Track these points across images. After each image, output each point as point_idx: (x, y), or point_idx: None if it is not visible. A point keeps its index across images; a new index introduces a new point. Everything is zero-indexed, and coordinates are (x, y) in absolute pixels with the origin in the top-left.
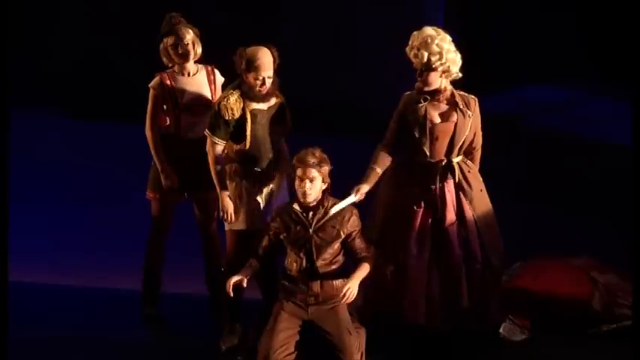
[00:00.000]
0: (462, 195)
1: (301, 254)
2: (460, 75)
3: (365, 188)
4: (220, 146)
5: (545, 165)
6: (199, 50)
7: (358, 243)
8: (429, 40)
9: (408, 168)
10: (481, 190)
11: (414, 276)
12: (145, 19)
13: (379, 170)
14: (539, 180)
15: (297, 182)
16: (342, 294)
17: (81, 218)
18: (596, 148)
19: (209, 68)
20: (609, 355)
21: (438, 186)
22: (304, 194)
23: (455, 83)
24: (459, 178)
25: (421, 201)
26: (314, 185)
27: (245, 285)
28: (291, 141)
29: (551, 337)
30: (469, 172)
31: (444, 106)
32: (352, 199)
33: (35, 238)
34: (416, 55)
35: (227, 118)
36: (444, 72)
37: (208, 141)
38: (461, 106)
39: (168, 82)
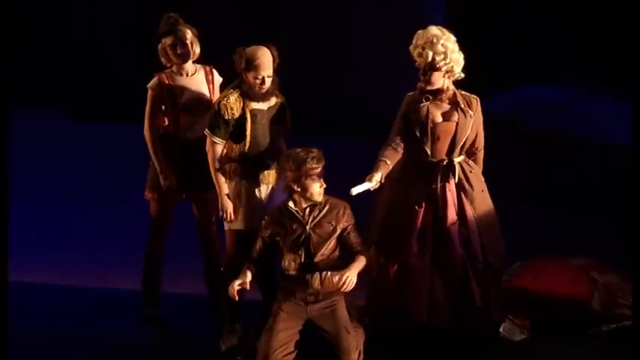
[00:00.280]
0: (463, 195)
1: (299, 252)
2: (463, 75)
3: (378, 176)
4: (220, 146)
5: (545, 165)
6: (198, 50)
7: (353, 237)
8: (435, 40)
9: (409, 167)
10: (482, 191)
11: (415, 275)
12: (144, 19)
13: (389, 162)
14: (539, 180)
15: (309, 181)
16: (341, 283)
17: (81, 218)
18: (596, 148)
19: (207, 68)
20: (609, 355)
21: (439, 185)
22: (320, 192)
23: (456, 83)
24: (460, 178)
25: (422, 200)
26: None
27: (248, 287)
28: (291, 141)
29: (551, 337)
30: (470, 172)
31: (446, 106)
32: (368, 185)
33: (35, 238)
34: (420, 55)
35: (227, 117)
36: (447, 72)
37: (208, 140)
38: (462, 106)
39: (166, 82)
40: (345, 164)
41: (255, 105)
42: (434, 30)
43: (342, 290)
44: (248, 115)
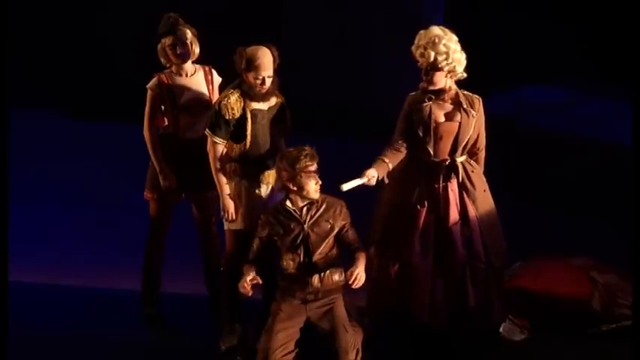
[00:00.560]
0: (465, 195)
1: (298, 251)
2: (465, 75)
3: (371, 171)
4: (221, 146)
5: (545, 165)
6: (197, 50)
7: (351, 235)
8: (437, 40)
9: (412, 167)
10: (484, 190)
11: (417, 275)
12: (144, 19)
13: (387, 161)
14: (539, 180)
15: (304, 179)
16: (352, 279)
17: (81, 218)
18: (595, 148)
19: (207, 68)
20: (609, 355)
21: (441, 185)
22: (317, 190)
23: (458, 83)
24: (462, 178)
25: (425, 200)
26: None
27: (260, 281)
28: (291, 141)
29: (551, 337)
30: (473, 172)
31: (448, 106)
32: (359, 180)
33: (35, 238)
34: (422, 55)
35: (227, 117)
36: (449, 72)
37: (209, 140)
38: (465, 106)
39: (166, 82)
40: (345, 164)
41: (255, 105)
42: (436, 30)
43: (352, 286)
44: (248, 115)
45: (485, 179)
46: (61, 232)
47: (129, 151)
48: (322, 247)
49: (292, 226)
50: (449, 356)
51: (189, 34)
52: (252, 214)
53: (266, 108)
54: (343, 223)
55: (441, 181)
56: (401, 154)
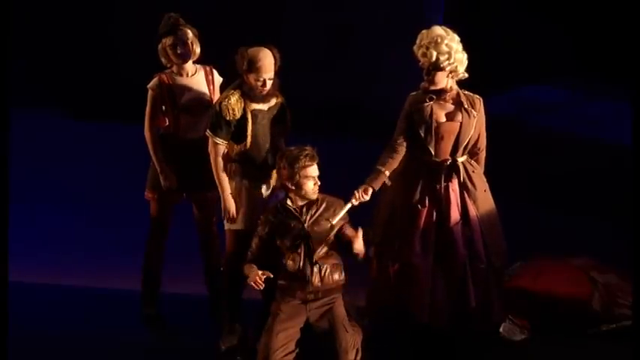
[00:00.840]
0: (466, 195)
1: (298, 250)
2: (466, 75)
3: (370, 190)
4: (222, 146)
5: (545, 165)
6: (198, 50)
7: (350, 231)
8: (439, 40)
9: (412, 167)
10: (485, 191)
11: (418, 275)
12: (145, 19)
13: (387, 172)
14: (539, 180)
15: (303, 179)
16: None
17: (81, 218)
18: (596, 148)
19: (207, 68)
20: (609, 355)
21: (442, 185)
22: (315, 190)
23: (458, 83)
24: (463, 178)
25: (426, 200)
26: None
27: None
28: (291, 141)
29: (551, 337)
30: (473, 172)
31: (449, 106)
32: (349, 205)
33: (35, 238)
34: (424, 54)
35: (228, 118)
36: (451, 72)
37: (210, 141)
38: (466, 106)
39: (166, 82)
40: (345, 164)
41: (255, 105)
42: (438, 30)
43: (359, 255)
44: (249, 116)
45: (485, 179)
46: (61, 232)
47: (129, 151)
48: (322, 246)
49: (292, 225)
50: (449, 356)
51: (189, 34)
52: (252, 214)
53: (266, 108)
54: (342, 222)
55: (442, 182)
56: (399, 157)
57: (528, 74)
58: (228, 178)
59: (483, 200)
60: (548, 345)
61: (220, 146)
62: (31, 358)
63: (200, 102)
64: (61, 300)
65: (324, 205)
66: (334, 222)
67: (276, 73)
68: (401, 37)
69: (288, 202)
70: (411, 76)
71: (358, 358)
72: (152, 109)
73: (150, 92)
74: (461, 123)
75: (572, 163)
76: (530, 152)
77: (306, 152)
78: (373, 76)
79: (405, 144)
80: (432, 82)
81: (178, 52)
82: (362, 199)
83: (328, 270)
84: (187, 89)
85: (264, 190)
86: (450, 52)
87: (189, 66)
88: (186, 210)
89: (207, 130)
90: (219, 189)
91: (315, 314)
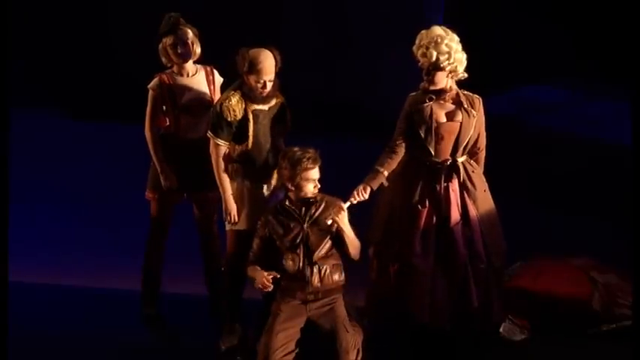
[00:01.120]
0: (466, 195)
1: (298, 251)
2: (466, 75)
3: (369, 189)
4: (224, 147)
5: (545, 165)
6: (198, 50)
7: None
8: (439, 40)
9: (412, 168)
10: (485, 191)
11: (418, 275)
12: (145, 19)
13: (386, 173)
14: (539, 180)
15: (303, 181)
16: (337, 207)
17: (81, 218)
18: (596, 148)
19: (208, 69)
20: (609, 355)
21: (442, 186)
22: (315, 192)
23: (458, 83)
24: (463, 178)
25: (426, 200)
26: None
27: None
28: (291, 141)
29: (551, 337)
30: (473, 172)
31: (449, 106)
32: (349, 203)
33: (35, 237)
34: (424, 55)
35: (229, 119)
36: (450, 72)
37: (211, 143)
38: (466, 106)
39: (167, 82)
40: (345, 164)
41: (256, 106)
42: (438, 30)
43: (335, 214)
44: (250, 116)
45: (485, 179)
46: (61, 232)
47: (129, 151)
48: (322, 246)
49: (292, 226)
50: (449, 356)
51: (190, 33)
52: (254, 214)
53: (267, 108)
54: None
55: (442, 182)
56: (398, 157)
57: (528, 74)
58: (230, 179)
59: (483, 200)
60: (548, 345)
61: (222, 147)
62: (31, 358)
63: (200, 102)
64: (61, 300)
65: (323, 205)
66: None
67: (276, 74)
68: (401, 37)
69: (288, 202)
70: (411, 76)
71: (359, 358)
72: (153, 109)
73: (150, 92)
74: (461, 123)
75: (572, 163)
76: (530, 152)
77: (309, 155)
78: (373, 76)
79: (404, 145)
80: (432, 82)
81: (179, 51)
82: (361, 198)
83: (328, 270)
84: (188, 89)
85: (266, 190)
86: (450, 52)
87: (190, 66)
88: (187, 210)
89: (209, 132)
90: (221, 190)
91: (316, 314)
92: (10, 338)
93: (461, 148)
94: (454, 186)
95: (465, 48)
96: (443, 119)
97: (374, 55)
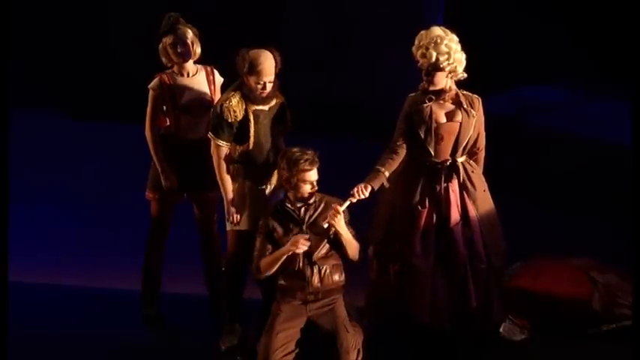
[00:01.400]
0: (465, 195)
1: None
2: (465, 75)
3: (369, 188)
4: (225, 148)
5: (545, 165)
6: (199, 50)
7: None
8: (438, 40)
9: (412, 168)
10: (484, 191)
11: (418, 275)
12: (145, 19)
13: (387, 173)
14: (539, 180)
15: (300, 182)
16: (333, 211)
17: (81, 218)
18: (596, 148)
19: (208, 69)
20: (609, 355)
21: (442, 186)
22: (312, 194)
23: (457, 83)
24: (463, 179)
25: (426, 201)
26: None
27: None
28: (291, 141)
29: (551, 337)
30: (472, 172)
31: (449, 106)
32: (348, 201)
33: (35, 237)
34: (424, 55)
35: (230, 120)
36: (450, 72)
37: (212, 144)
38: (465, 106)
39: (167, 82)
40: (345, 164)
41: (256, 106)
42: (437, 30)
43: (331, 217)
44: (251, 117)
45: (484, 179)
46: (61, 232)
47: (129, 151)
48: (321, 246)
49: (291, 226)
50: (449, 356)
51: (189, 33)
52: (255, 214)
53: (267, 108)
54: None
55: (442, 182)
56: (399, 158)
57: (528, 74)
58: (231, 180)
59: (483, 200)
60: (548, 345)
61: (223, 148)
62: (31, 358)
63: (201, 102)
64: (61, 300)
65: (322, 206)
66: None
67: (276, 74)
68: (401, 37)
69: (287, 202)
70: (411, 77)
71: (359, 358)
72: (153, 109)
73: (151, 92)
74: (460, 123)
75: (572, 163)
76: (530, 152)
77: (307, 157)
78: (373, 76)
79: (405, 145)
80: (432, 82)
81: (179, 51)
82: (361, 196)
83: (328, 271)
84: (188, 89)
85: (267, 190)
86: (450, 52)
87: (190, 66)
88: (187, 210)
89: (209, 133)
90: (222, 191)
91: (316, 315)
92: (10, 338)
93: (460, 149)
94: (454, 186)
95: (464, 48)
96: (442, 119)
97: (374, 55)
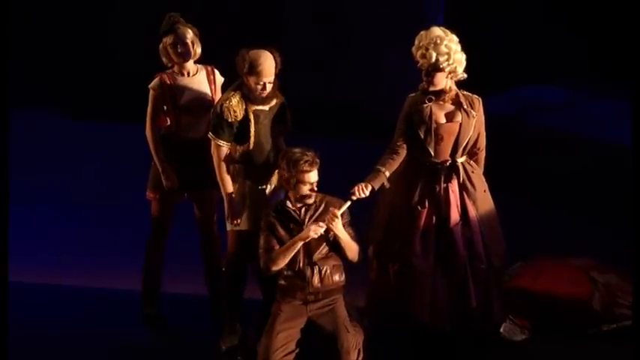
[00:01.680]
0: (465, 195)
1: (298, 251)
2: (465, 76)
3: (370, 188)
4: (225, 148)
5: (545, 165)
6: (199, 50)
7: (348, 232)
8: (438, 41)
9: (412, 168)
10: (484, 191)
11: (418, 276)
12: (145, 19)
13: (387, 173)
14: (539, 180)
15: (299, 183)
16: (330, 214)
17: (81, 218)
18: (596, 148)
19: (209, 68)
20: (609, 355)
21: (442, 186)
22: (311, 195)
23: (457, 84)
24: (463, 179)
25: (426, 201)
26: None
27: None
28: (291, 141)
29: (551, 337)
30: (473, 172)
31: (448, 107)
32: (349, 202)
33: (35, 238)
34: (424, 55)
35: (230, 120)
36: (450, 72)
37: (213, 144)
38: (465, 107)
39: (168, 82)
40: (345, 164)
41: (257, 106)
42: (437, 31)
43: (329, 218)
44: (251, 117)
45: (484, 180)
46: (61, 232)
47: (129, 151)
48: (322, 247)
49: (292, 227)
50: (449, 356)
51: (190, 33)
52: (256, 214)
53: (267, 108)
54: (342, 222)
55: (442, 182)
56: (400, 158)
57: (528, 74)
58: (232, 180)
59: (483, 201)
60: (548, 345)
61: (223, 148)
62: (31, 358)
63: (201, 102)
64: (61, 300)
65: (323, 206)
66: (339, 213)
67: (276, 75)
68: (401, 37)
69: (288, 202)
70: (411, 77)
71: (360, 358)
72: (153, 109)
73: (151, 92)
74: (460, 123)
75: (573, 163)
76: (530, 152)
77: (307, 158)
78: (373, 76)
79: (405, 146)
80: (432, 83)
81: (179, 50)
82: (362, 195)
83: (328, 271)
84: (188, 89)
85: (267, 190)
86: (450, 52)
87: (191, 66)
88: (187, 210)
89: (210, 133)
90: (223, 191)
91: (316, 314)
92: (10, 338)
93: (460, 149)
94: (454, 186)
95: (464, 48)
96: (442, 120)
97: (374, 55)
